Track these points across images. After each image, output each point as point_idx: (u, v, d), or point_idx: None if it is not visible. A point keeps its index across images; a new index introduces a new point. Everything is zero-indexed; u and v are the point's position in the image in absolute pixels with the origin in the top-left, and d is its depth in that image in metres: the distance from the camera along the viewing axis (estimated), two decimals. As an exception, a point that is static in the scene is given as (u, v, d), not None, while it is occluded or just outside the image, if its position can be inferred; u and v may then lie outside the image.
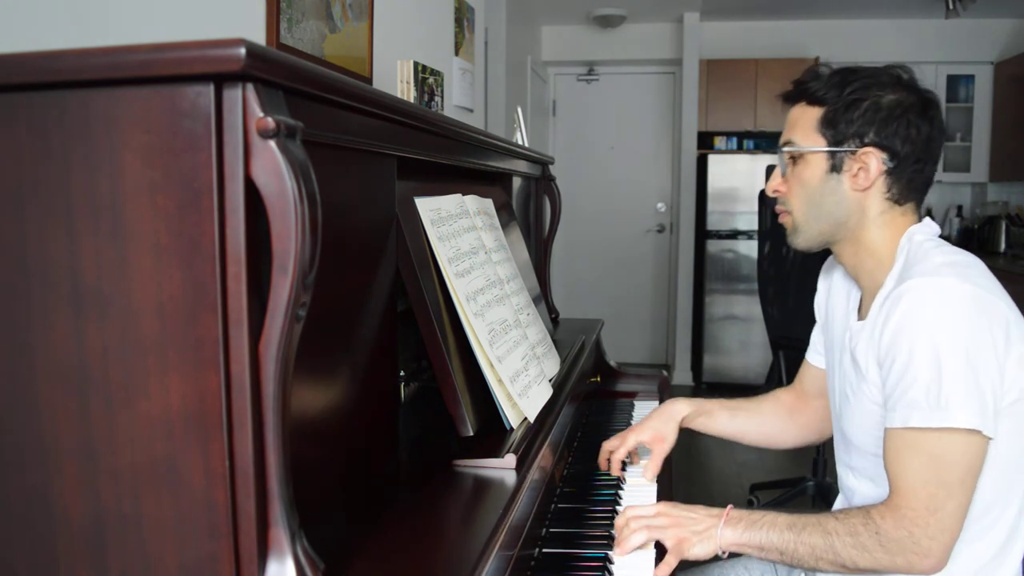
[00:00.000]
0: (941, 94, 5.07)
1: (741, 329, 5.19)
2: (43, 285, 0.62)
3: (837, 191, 1.14)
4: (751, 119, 5.41)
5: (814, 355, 1.42)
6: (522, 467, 1.04)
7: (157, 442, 0.62)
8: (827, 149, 1.13)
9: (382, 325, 0.94)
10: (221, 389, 0.60)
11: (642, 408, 1.89)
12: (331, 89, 0.71)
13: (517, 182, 1.89)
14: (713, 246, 5.23)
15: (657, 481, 1.41)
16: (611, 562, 1.11)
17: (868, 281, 1.17)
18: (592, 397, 1.88)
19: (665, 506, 1.16)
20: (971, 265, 1.06)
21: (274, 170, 0.58)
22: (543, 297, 1.90)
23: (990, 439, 1.01)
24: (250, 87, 0.58)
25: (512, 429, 1.12)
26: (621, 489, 1.36)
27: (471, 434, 1.06)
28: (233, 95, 0.58)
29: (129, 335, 0.61)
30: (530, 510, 1.03)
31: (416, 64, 1.76)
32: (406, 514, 0.89)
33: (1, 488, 0.65)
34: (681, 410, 1.42)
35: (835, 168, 1.13)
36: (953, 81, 5.37)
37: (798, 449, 1.54)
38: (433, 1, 2.77)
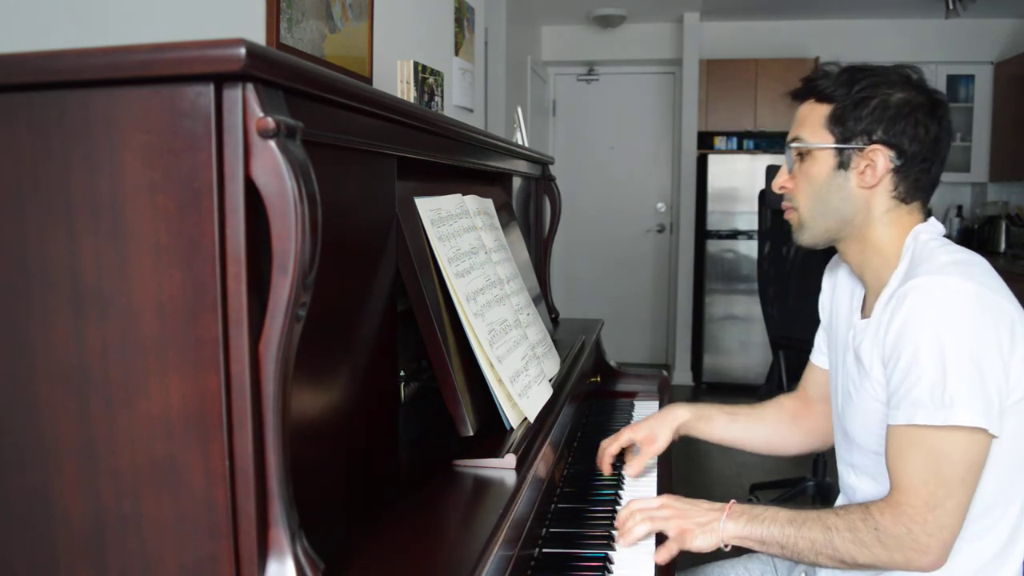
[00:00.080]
0: (941, 94, 5.06)
1: (741, 329, 5.19)
2: (43, 285, 0.62)
3: (844, 188, 1.14)
4: (751, 119, 5.41)
5: (818, 356, 1.42)
6: (522, 467, 1.04)
7: (157, 442, 0.62)
8: (835, 146, 1.13)
9: (382, 325, 0.94)
10: (221, 389, 0.60)
11: (642, 408, 1.89)
12: (331, 89, 0.71)
13: (517, 182, 1.89)
14: (713, 246, 5.23)
15: (657, 482, 1.41)
16: (611, 562, 1.11)
17: (873, 279, 1.17)
18: (592, 397, 1.88)
19: (669, 498, 1.18)
20: (976, 264, 1.07)
21: (274, 170, 0.58)
22: (543, 297, 1.90)
23: (994, 437, 1.01)
24: (250, 87, 0.58)
25: (512, 429, 1.12)
26: (621, 489, 1.36)
27: (471, 434, 1.06)
28: (233, 95, 0.58)
29: (129, 335, 0.61)
30: (530, 510, 1.03)
31: (416, 64, 1.76)
32: (406, 514, 0.89)
33: (1, 488, 0.65)
34: (680, 415, 1.41)
35: (842, 165, 1.13)
36: (953, 81, 5.37)
37: (800, 452, 1.53)
38: (433, 1, 2.77)
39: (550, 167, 2.14)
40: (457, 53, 2.96)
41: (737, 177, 5.13)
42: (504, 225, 1.53)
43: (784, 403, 1.46)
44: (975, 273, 1.04)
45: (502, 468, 1.02)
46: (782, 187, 1.21)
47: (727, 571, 1.40)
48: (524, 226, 1.94)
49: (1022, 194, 5.29)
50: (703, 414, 1.42)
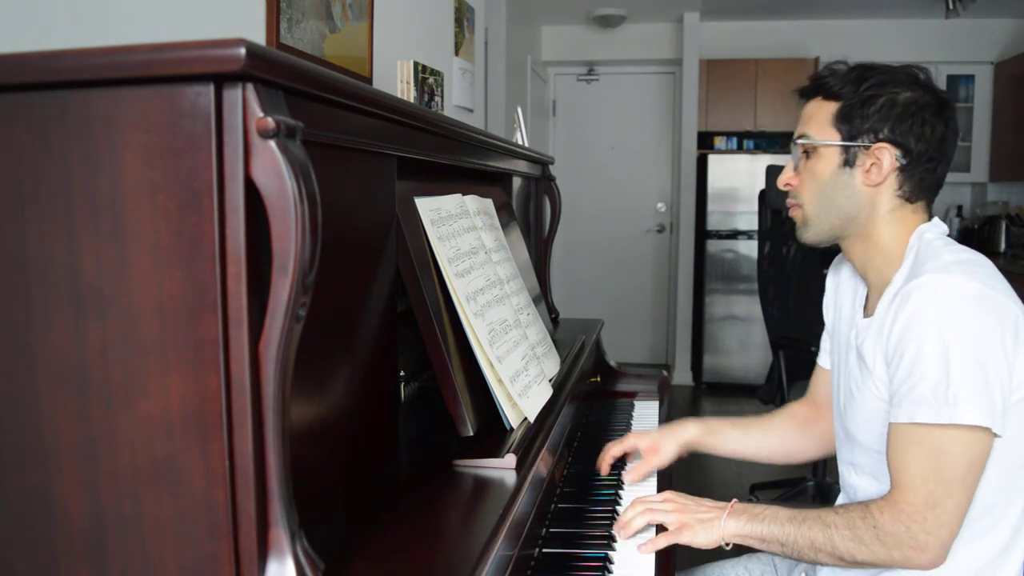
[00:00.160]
0: (941, 94, 5.06)
1: (741, 329, 5.19)
2: (43, 285, 0.62)
3: (849, 186, 1.14)
4: (751, 119, 5.41)
5: (825, 359, 1.41)
6: (522, 467, 1.04)
7: (157, 442, 0.62)
8: (841, 143, 1.13)
9: (382, 325, 0.94)
10: (221, 389, 0.60)
11: (642, 408, 1.89)
12: (331, 89, 0.71)
13: (517, 182, 1.89)
14: (713, 246, 5.23)
15: (657, 482, 1.41)
16: (611, 562, 1.11)
17: (876, 278, 1.17)
18: (592, 397, 1.88)
19: (672, 493, 1.20)
20: (980, 264, 1.07)
21: (274, 170, 0.58)
22: (543, 297, 1.90)
23: (996, 437, 1.02)
24: (250, 87, 0.58)
25: (512, 429, 1.12)
26: (621, 489, 1.36)
27: (471, 434, 1.06)
28: (233, 95, 0.58)
29: (129, 335, 0.61)
30: (530, 510, 1.03)
31: (416, 64, 1.76)
32: (406, 514, 0.89)
33: (1, 488, 0.65)
34: (688, 431, 1.39)
35: (848, 163, 1.13)
36: (953, 81, 5.37)
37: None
38: (433, 1, 2.77)
39: (550, 167, 2.14)
40: (457, 53, 2.96)
41: (737, 177, 5.13)
42: (504, 225, 1.53)
43: (794, 410, 1.45)
44: (979, 273, 1.04)
45: (502, 468, 1.02)
46: (787, 184, 1.21)
47: (727, 571, 1.41)
48: (524, 226, 1.94)
49: (1022, 194, 5.29)
50: (713, 429, 1.40)
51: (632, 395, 2.00)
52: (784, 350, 3.07)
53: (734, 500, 1.16)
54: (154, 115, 0.59)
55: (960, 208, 5.50)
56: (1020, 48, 5.13)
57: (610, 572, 1.09)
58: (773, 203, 3.19)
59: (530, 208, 2.06)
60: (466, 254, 1.18)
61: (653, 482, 1.42)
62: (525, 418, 1.16)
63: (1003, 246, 5.05)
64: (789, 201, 1.22)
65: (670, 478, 1.47)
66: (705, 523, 1.13)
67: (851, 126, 1.12)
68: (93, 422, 0.63)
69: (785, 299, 3.25)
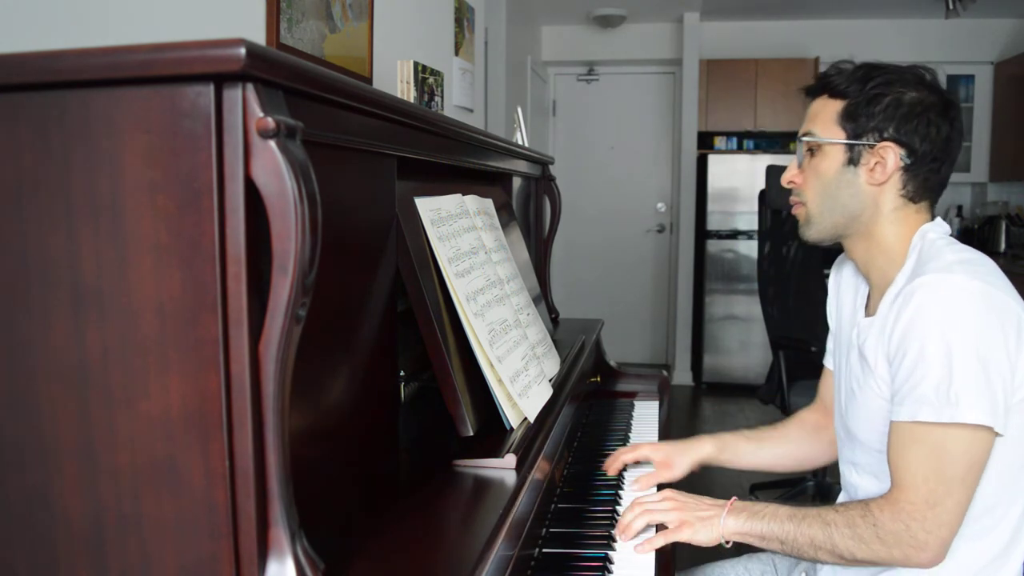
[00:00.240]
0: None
1: (741, 329, 5.19)
2: (43, 285, 0.62)
3: (853, 184, 1.14)
4: (751, 119, 5.41)
5: (831, 361, 1.41)
6: (522, 467, 1.04)
7: (157, 442, 0.62)
8: (846, 141, 1.13)
9: (382, 325, 0.94)
10: (221, 389, 0.60)
11: (642, 408, 1.89)
12: (331, 89, 0.71)
13: (517, 182, 1.89)
14: (713, 246, 5.23)
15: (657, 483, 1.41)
16: (611, 562, 1.11)
17: (878, 277, 1.17)
18: (592, 397, 1.88)
19: (672, 492, 1.20)
20: (983, 263, 1.07)
21: (274, 170, 0.58)
22: (543, 297, 1.90)
23: (998, 436, 1.02)
24: (250, 87, 0.58)
25: (512, 429, 1.12)
26: (621, 489, 1.36)
27: (471, 434, 1.06)
28: (233, 95, 0.58)
29: (129, 335, 0.61)
30: (530, 510, 1.03)
31: (416, 64, 1.76)
32: (406, 514, 0.89)
33: (1, 488, 0.65)
34: (703, 449, 1.38)
35: (852, 161, 1.13)
36: (953, 81, 5.37)
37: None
38: (433, 1, 2.77)
39: (550, 167, 2.14)
40: (457, 53, 2.96)
41: (737, 177, 5.13)
42: (504, 225, 1.53)
43: (804, 417, 1.44)
44: (981, 272, 1.04)
45: (502, 468, 1.02)
46: (791, 181, 1.21)
47: (727, 571, 1.41)
48: (524, 226, 1.93)
49: (1022, 194, 5.29)
50: (727, 445, 1.40)
51: (632, 395, 2.00)
52: (784, 350, 3.07)
53: (734, 498, 1.16)
54: (154, 115, 0.59)
55: (960, 208, 5.50)
56: (1020, 48, 5.14)
57: (610, 572, 1.09)
58: (773, 203, 3.19)
59: (530, 208, 2.06)
60: (466, 254, 1.18)
61: (649, 469, 1.41)
62: (525, 418, 1.16)
63: (1003, 246, 5.05)
64: (792, 199, 1.22)
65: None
66: (705, 521, 1.13)
67: (856, 124, 1.12)
68: (93, 422, 0.63)
69: (785, 299, 3.25)
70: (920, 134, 1.10)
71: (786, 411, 3.01)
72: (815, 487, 3.29)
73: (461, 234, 1.20)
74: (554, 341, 1.61)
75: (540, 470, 1.12)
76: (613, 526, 1.20)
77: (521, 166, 1.82)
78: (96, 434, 0.63)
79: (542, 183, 2.12)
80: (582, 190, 5.73)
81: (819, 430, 1.41)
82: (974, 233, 5.29)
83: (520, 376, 1.19)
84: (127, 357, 0.62)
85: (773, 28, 5.48)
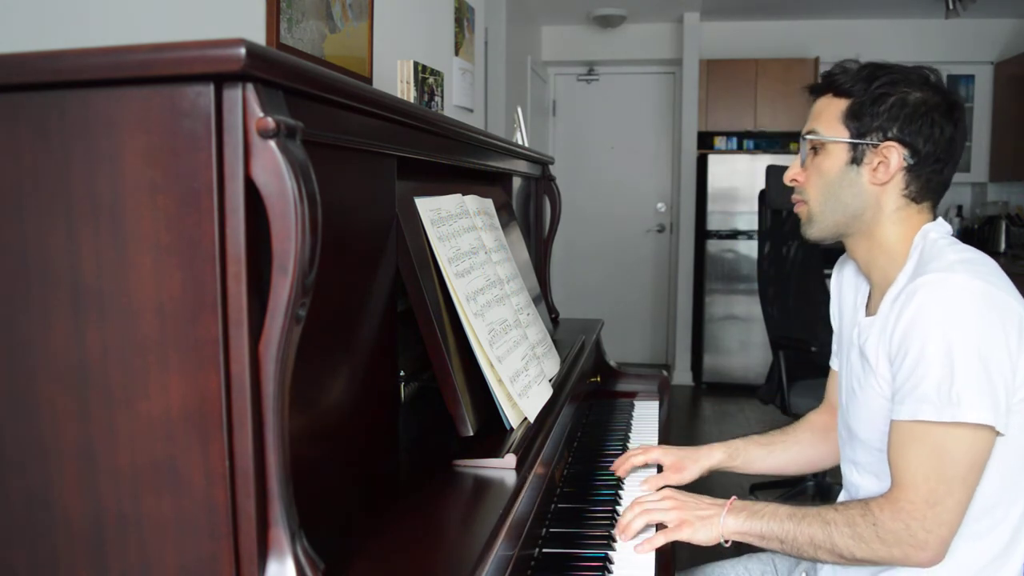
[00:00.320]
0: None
1: (741, 329, 5.19)
2: (43, 285, 0.62)
3: (856, 183, 1.14)
4: (751, 119, 5.41)
5: (836, 362, 1.41)
6: (522, 467, 1.04)
7: (157, 442, 0.62)
8: (850, 140, 1.13)
9: (382, 325, 0.94)
10: (221, 389, 0.60)
11: (642, 408, 1.89)
12: (331, 89, 0.71)
13: (517, 182, 1.89)
14: (713, 246, 5.23)
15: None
16: (611, 562, 1.11)
17: (880, 277, 1.17)
18: (592, 397, 1.88)
19: (671, 491, 1.21)
20: (984, 263, 1.07)
21: (274, 170, 0.58)
22: (543, 297, 1.90)
23: (999, 435, 1.02)
24: (250, 87, 0.58)
25: (512, 429, 1.12)
26: (621, 489, 1.36)
27: (471, 434, 1.06)
28: (233, 95, 0.58)
29: (129, 335, 0.61)
30: (530, 510, 1.03)
31: (416, 64, 1.76)
32: (406, 514, 0.89)
33: (1, 488, 0.65)
34: (714, 457, 1.38)
35: (856, 160, 1.14)
36: (953, 81, 5.37)
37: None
38: (433, 1, 2.77)
39: (550, 167, 2.14)
40: (457, 53, 2.96)
41: (737, 177, 5.13)
42: (504, 225, 1.53)
43: (813, 420, 1.44)
44: (983, 271, 1.04)
45: (502, 468, 1.02)
46: (793, 179, 1.21)
47: (727, 571, 1.41)
48: (524, 226, 1.93)
49: (1022, 194, 5.29)
50: (738, 452, 1.40)
51: (632, 395, 2.00)
52: (784, 350, 3.07)
53: (733, 497, 1.16)
54: (154, 115, 0.59)
55: (960, 208, 5.50)
56: (1020, 48, 5.14)
57: (610, 572, 1.09)
58: (773, 203, 3.19)
59: (530, 208, 2.06)
60: (466, 254, 1.18)
61: (652, 471, 1.42)
62: (525, 418, 1.16)
63: (1003, 246, 5.05)
64: (795, 197, 1.22)
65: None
66: (705, 520, 1.13)
67: (860, 124, 1.12)
68: (93, 422, 0.63)
69: (785, 299, 3.25)
70: (924, 135, 1.10)
71: (786, 411, 3.01)
72: (815, 487, 3.29)
73: (461, 234, 1.20)
74: (554, 341, 1.61)
75: (540, 470, 1.12)
76: (613, 526, 1.20)
77: (521, 166, 1.82)
78: (96, 434, 0.63)
79: (542, 183, 2.12)
80: (582, 190, 5.74)
81: (828, 432, 1.41)
82: (974, 233, 5.29)
83: (520, 376, 1.19)
84: (127, 357, 0.62)
85: (773, 28, 5.48)
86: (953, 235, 1.15)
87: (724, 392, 5.21)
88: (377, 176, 0.94)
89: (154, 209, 0.60)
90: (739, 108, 5.40)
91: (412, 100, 1.75)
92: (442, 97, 1.92)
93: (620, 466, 1.39)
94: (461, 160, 1.28)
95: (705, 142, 5.45)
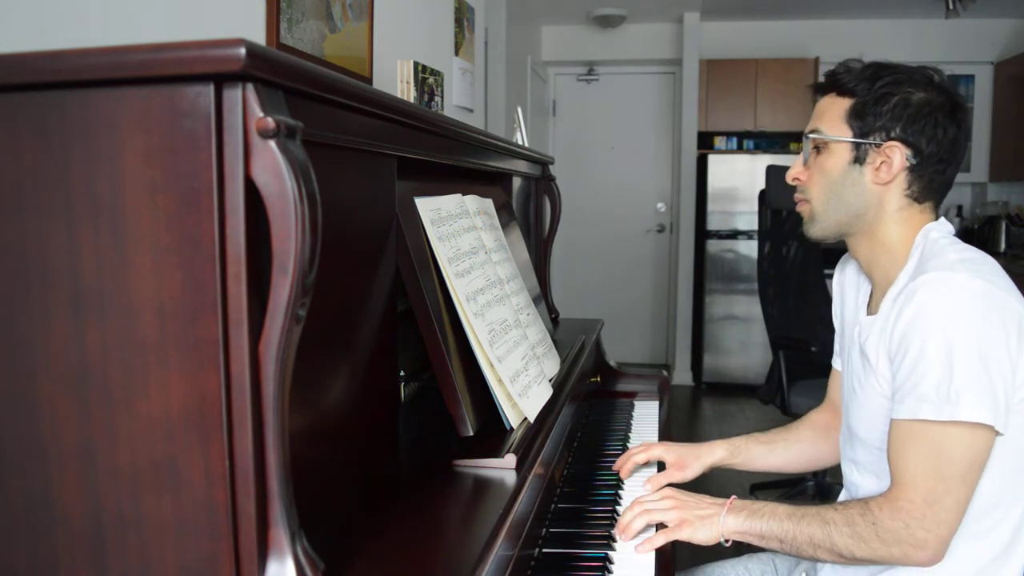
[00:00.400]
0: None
1: (741, 329, 5.19)
2: (43, 285, 0.62)
3: (858, 183, 1.14)
4: (751, 119, 5.41)
5: (839, 361, 1.41)
6: (522, 467, 1.04)
7: (157, 442, 0.62)
8: (853, 140, 1.13)
9: (382, 325, 0.94)
10: (221, 389, 0.60)
11: (642, 408, 1.89)
12: (331, 89, 0.71)
13: (517, 182, 1.89)
14: (713, 246, 5.23)
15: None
16: (611, 562, 1.11)
17: (881, 276, 1.17)
18: (592, 397, 1.88)
19: (671, 490, 1.21)
20: (985, 262, 1.07)
21: (274, 170, 0.58)
22: (543, 297, 1.90)
23: (998, 435, 1.02)
24: (250, 87, 0.58)
25: (512, 429, 1.12)
26: (621, 489, 1.36)
27: (471, 434, 1.06)
28: (233, 95, 0.58)
29: (129, 335, 0.61)
30: (530, 510, 1.03)
31: (416, 64, 1.76)
32: (406, 514, 0.89)
33: (1, 488, 0.65)
34: (716, 454, 1.38)
35: (858, 160, 1.14)
36: (953, 81, 5.34)
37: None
38: (433, 1, 2.77)
39: (550, 167, 2.14)
40: (457, 53, 2.96)
41: (737, 177, 5.13)
42: (504, 225, 1.53)
43: (814, 419, 1.44)
44: (984, 271, 1.04)
45: (502, 468, 1.02)
46: (796, 178, 1.21)
47: (727, 571, 1.41)
48: (524, 226, 1.93)
49: (1022, 194, 5.29)
50: (739, 449, 1.40)
51: (632, 395, 2.00)
52: (784, 350, 3.07)
53: (733, 497, 1.16)
54: (154, 115, 0.59)
55: (960, 208, 5.50)
56: (1020, 48, 5.13)
57: (610, 572, 1.09)
58: (773, 203, 3.19)
59: (530, 208, 2.06)
60: (466, 254, 1.18)
61: (653, 471, 1.42)
62: (525, 418, 1.16)
63: (1003, 246, 5.05)
64: (797, 196, 1.22)
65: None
66: (704, 519, 1.13)
67: (863, 123, 1.12)
68: (93, 422, 0.63)
69: (785, 299, 3.25)
70: (927, 135, 1.11)
71: (786, 411, 3.01)
72: (815, 487, 3.29)
73: (461, 234, 1.20)
74: (554, 341, 1.61)
75: (540, 470, 1.12)
76: (613, 526, 1.20)
77: (521, 166, 1.82)
78: (96, 434, 0.63)
79: (542, 183, 2.12)
80: (582, 190, 5.73)
81: (829, 431, 1.41)
82: (974, 233, 5.29)
83: (520, 376, 1.19)
84: (127, 357, 0.62)
85: (773, 28, 5.48)
86: (954, 235, 1.15)
87: (724, 392, 5.21)
88: (377, 176, 0.94)
89: (154, 209, 0.60)
90: (739, 108, 5.40)
91: (412, 100, 1.75)
92: (442, 97, 1.92)
93: (622, 465, 1.39)
94: (461, 160, 1.28)
95: (705, 142, 5.45)
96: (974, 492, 1.03)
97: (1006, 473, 1.06)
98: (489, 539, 0.83)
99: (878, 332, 1.12)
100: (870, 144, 1.12)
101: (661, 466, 1.41)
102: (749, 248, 5.10)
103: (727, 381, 5.25)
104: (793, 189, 1.23)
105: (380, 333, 0.93)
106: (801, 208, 1.22)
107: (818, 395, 1.46)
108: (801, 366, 3.08)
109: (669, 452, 1.39)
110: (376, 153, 0.91)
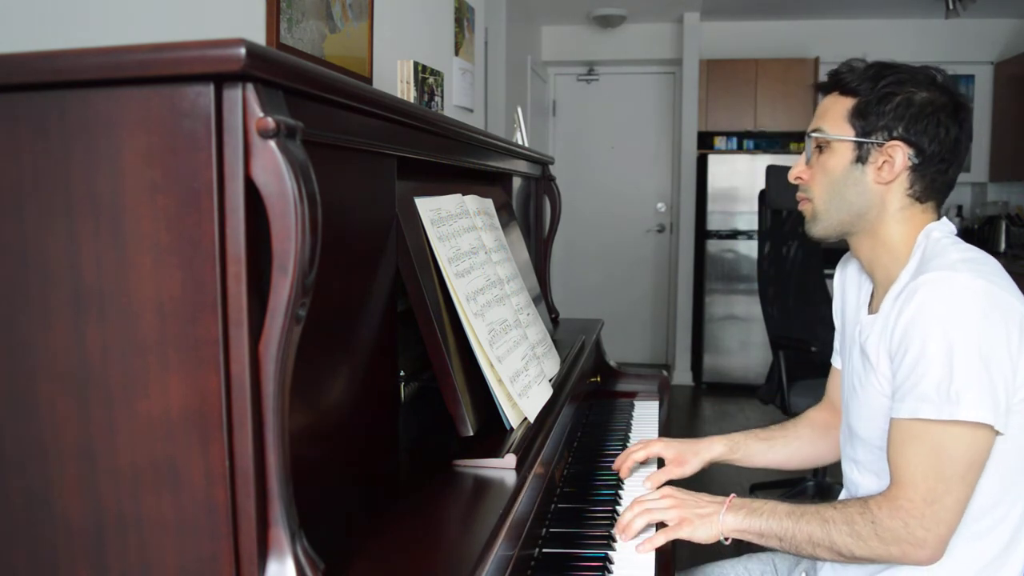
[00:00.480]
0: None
1: (741, 329, 5.19)
2: (43, 285, 0.62)
3: (860, 182, 1.14)
4: (751, 119, 5.41)
5: (839, 360, 1.41)
6: (522, 467, 1.04)
7: (157, 442, 0.62)
8: (855, 139, 1.13)
9: (382, 325, 0.94)
10: (221, 389, 0.60)
11: (642, 408, 1.89)
12: (331, 89, 0.71)
13: (517, 182, 1.89)
14: (713, 246, 5.23)
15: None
16: (611, 562, 1.11)
17: (882, 275, 1.18)
18: (592, 397, 1.88)
19: (671, 489, 1.20)
20: (987, 262, 1.07)
21: (274, 170, 0.58)
22: (543, 297, 1.90)
23: (998, 434, 1.02)
24: (250, 87, 0.58)
25: (512, 429, 1.12)
26: (621, 489, 1.36)
27: (471, 434, 1.06)
28: (233, 95, 0.58)
29: (129, 335, 0.61)
30: (530, 510, 1.03)
31: (416, 64, 1.76)
32: (406, 514, 0.89)
33: (1, 488, 0.65)
34: (715, 449, 1.38)
35: (860, 159, 1.14)
36: (955, 81, 5.36)
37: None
38: (433, 1, 2.77)
39: (550, 167, 2.14)
40: (457, 53, 2.96)
41: (737, 177, 5.13)
42: (504, 225, 1.53)
43: (813, 416, 1.44)
44: (985, 271, 1.04)
45: (502, 468, 1.02)
46: (798, 177, 1.21)
47: (727, 571, 1.41)
48: (524, 226, 1.93)
49: (1022, 194, 5.29)
50: (738, 445, 1.39)
51: (632, 395, 2.00)
52: (784, 350, 3.07)
53: (732, 495, 1.16)
54: (154, 115, 0.59)
55: (960, 208, 5.50)
56: (1020, 48, 5.14)
57: (610, 572, 1.09)
58: (773, 203, 3.19)
59: (530, 208, 2.06)
60: (466, 254, 1.18)
61: (653, 469, 1.42)
62: (525, 418, 1.16)
63: (1003, 246, 5.05)
64: (799, 195, 1.22)
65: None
66: (704, 518, 1.13)
67: (866, 122, 1.12)
68: (93, 422, 0.63)
69: (785, 299, 3.25)
70: (929, 135, 1.11)
71: (786, 411, 3.01)
72: (815, 487, 3.29)
73: (461, 234, 1.20)
74: (554, 341, 1.61)
75: (540, 470, 1.12)
76: (613, 526, 1.20)
77: (521, 166, 1.82)
78: (96, 434, 0.63)
79: (542, 183, 2.12)
80: (582, 190, 5.74)
81: (828, 429, 1.42)
82: (974, 233, 5.29)
83: (520, 376, 1.19)
84: (127, 357, 0.62)
85: (773, 28, 5.48)
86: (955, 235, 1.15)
87: (724, 392, 5.21)
88: (377, 176, 0.94)
89: (154, 209, 0.60)
90: (739, 108, 5.40)
91: (412, 100, 1.75)
92: (442, 97, 1.92)
93: (621, 464, 1.39)
94: (461, 160, 1.28)
95: (705, 142, 5.45)
96: (974, 492, 1.03)
97: (1006, 473, 1.06)
98: (489, 539, 0.83)
99: (879, 331, 1.12)
100: (872, 143, 1.12)
101: (661, 463, 1.41)
102: (749, 248, 5.10)
103: (727, 381, 5.25)
104: (794, 189, 1.23)
105: (380, 333, 0.93)
106: (803, 207, 1.22)
107: (818, 395, 1.46)
108: (801, 366, 3.08)
109: (668, 448, 1.39)
110: (376, 153, 0.91)
